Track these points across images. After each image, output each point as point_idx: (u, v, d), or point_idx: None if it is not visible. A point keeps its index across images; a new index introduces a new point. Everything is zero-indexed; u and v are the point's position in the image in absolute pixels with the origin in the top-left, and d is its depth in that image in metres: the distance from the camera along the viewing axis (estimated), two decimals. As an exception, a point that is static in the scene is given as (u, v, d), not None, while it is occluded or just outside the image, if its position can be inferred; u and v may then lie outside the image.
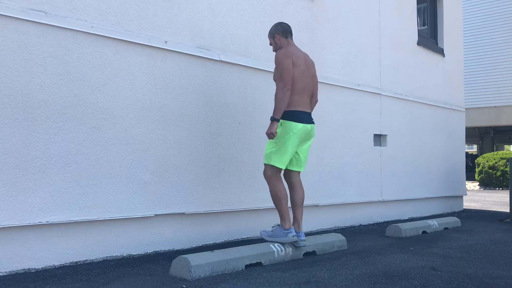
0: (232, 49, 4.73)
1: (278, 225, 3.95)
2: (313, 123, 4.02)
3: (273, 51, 4.13)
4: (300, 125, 3.86)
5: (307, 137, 3.97)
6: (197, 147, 4.39)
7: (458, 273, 3.48)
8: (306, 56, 4.05)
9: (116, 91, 3.85)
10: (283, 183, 3.97)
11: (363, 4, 6.45)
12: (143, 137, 4.01)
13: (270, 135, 3.77)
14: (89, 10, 3.70)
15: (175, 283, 3.06)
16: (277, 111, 3.76)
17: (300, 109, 3.90)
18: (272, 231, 3.96)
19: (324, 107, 5.64)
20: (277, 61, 3.87)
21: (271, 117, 3.79)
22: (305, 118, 3.93)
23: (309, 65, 4.05)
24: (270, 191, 3.91)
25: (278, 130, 3.83)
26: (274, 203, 3.92)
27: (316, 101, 4.20)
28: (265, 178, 3.95)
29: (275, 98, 3.80)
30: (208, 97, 4.50)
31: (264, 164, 3.95)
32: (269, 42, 4.15)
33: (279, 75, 3.84)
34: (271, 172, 3.88)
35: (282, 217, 3.89)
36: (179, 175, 4.24)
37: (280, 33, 4.04)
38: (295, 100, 3.86)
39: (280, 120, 3.83)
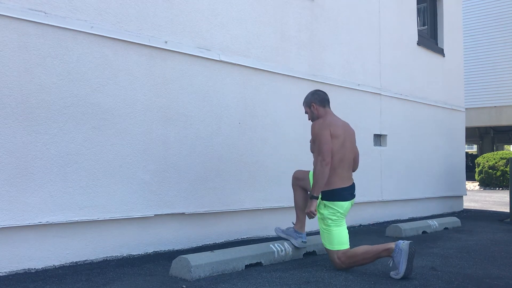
0: (232, 49, 4.73)
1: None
2: (355, 195, 3.69)
3: (309, 119, 3.82)
4: (346, 203, 3.57)
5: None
6: (197, 147, 4.39)
7: (458, 273, 3.47)
8: (345, 125, 3.72)
9: (116, 91, 3.85)
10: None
11: (363, 4, 6.45)
12: (143, 137, 4.01)
13: (311, 214, 3.51)
14: (89, 10, 3.70)
15: (175, 283, 3.06)
16: (316, 187, 3.47)
17: (341, 186, 3.56)
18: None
19: (324, 107, 5.64)
20: (314, 133, 3.58)
21: (310, 194, 3.53)
22: (349, 194, 3.61)
23: (350, 135, 3.70)
24: (357, 266, 3.57)
25: (324, 212, 3.54)
26: (371, 261, 3.50)
27: (357, 166, 3.86)
28: (338, 268, 3.55)
29: (313, 174, 3.51)
30: (208, 97, 4.50)
31: (327, 249, 3.59)
32: (304, 111, 3.86)
33: (317, 148, 3.53)
34: (338, 258, 3.52)
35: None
36: (179, 175, 4.24)
37: (317, 102, 3.72)
38: (336, 175, 3.54)
39: (324, 201, 3.54)
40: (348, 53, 6.17)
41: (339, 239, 3.52)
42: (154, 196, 4.06)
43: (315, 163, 3.51)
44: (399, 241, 3.30)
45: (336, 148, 3.53)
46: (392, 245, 3.32)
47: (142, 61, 4.02)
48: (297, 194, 3.90)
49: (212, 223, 4.54)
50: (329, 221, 3.53)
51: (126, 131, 3.90)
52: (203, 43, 4.48)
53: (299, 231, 3.91)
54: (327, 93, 3.86)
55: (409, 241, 3.26)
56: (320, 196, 3.56)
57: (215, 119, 4.55)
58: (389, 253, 3.33)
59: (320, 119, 3.65)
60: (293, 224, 3.99)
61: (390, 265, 3.38)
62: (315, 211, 3.52)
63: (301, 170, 3.95)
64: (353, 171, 3.78)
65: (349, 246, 3.57)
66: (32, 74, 3.40)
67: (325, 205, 3.55)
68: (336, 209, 3.52)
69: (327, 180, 3.51)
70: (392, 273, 3.32)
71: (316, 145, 3.55)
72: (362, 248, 3.47)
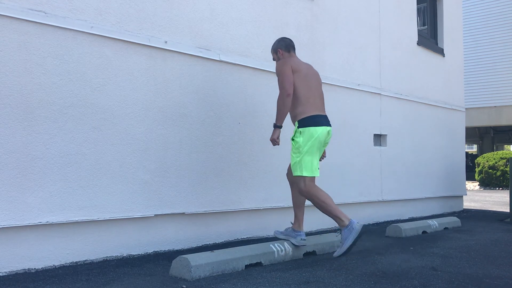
0: (232, 49, 4.73)
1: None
2: (330, 125, 3.89)
3: None
4: (321, 128, 3.76)
5: (326, 140, 3.87)
6: (197, 147, 4.39)
7: (458, 273, 3.47)
8: (309, 66, 4.00)
9: (116, 91, 3.85)
10: (318, 187, 3.85)
11: (363, 4, 6.45)
12: (143, 137, 4.01)
13: (273, 141, 3.75)
14: (89, 10, 3.70)
15: (175, 283, 3.06)
16: (278, 117, 3.74)
17: (316, 113, 3.79)
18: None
19: (324, 107, 5.64)
20: (277, 70, 3.86)
21: (274, 124, 3.77)
22: (324, 120, 3.82)
23: (314, 73, 3.99)
24: (313, 203, 3.78)
25: (299, 139, 3.73)
26: (323, 211, 3.77)
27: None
28: (301, 193, 3.80)
29: (277, 104, 3.77)
30: (208, 97, 4.50)
31: (295, 177, 3.80)
32: (272, 58, 4.14)
33: (279, 83, 3.80)
34: (304, 184, 3.74)
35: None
36: (179, 175, 4.24)
37: (283, 48, 4.01)
38: (307, 104, 3.78)
39: (299, 129, 3.75)
40: (348, 53, 6.17)
41: (309, 166, 3.73)
42: (154, 196, 4.06)
43: (278, 96, 3.78)
44: (354, 220, 3.64)
45: (300, 80, 3.78)
46: (347, 220, 3.64)
47: (142, 61, 4.02)
48: (294, 192, 3.96)
49: (212, 223, 4.54)
50: (305, 148, 3.70)
51: (126, 131, 3.90)
52: (203, 43, 4.48)
53: (297, 229, 3.92)
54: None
55: (362, 224, 3.61)
56: (296, 126, 3.79)
57: (215, 119, 4.55)
58: (341, 224, 3.64)
59: (282, 59, 3.95)
60: (292, 223, 4.01)
61: (336, 236, 3.75)
62: (277, 139, 3.77)
63: None
64: None
65: (318, 175, 3.80)
66: (32, 74, 3.40)
67: (300, 132, 3.74)
68: (311, 134, 3.71)
69: (301, 109, 3.76)
70: (335, 253, 3.67)
71: (279, 81, 3.81)
72: (327, 197, 3.73)
